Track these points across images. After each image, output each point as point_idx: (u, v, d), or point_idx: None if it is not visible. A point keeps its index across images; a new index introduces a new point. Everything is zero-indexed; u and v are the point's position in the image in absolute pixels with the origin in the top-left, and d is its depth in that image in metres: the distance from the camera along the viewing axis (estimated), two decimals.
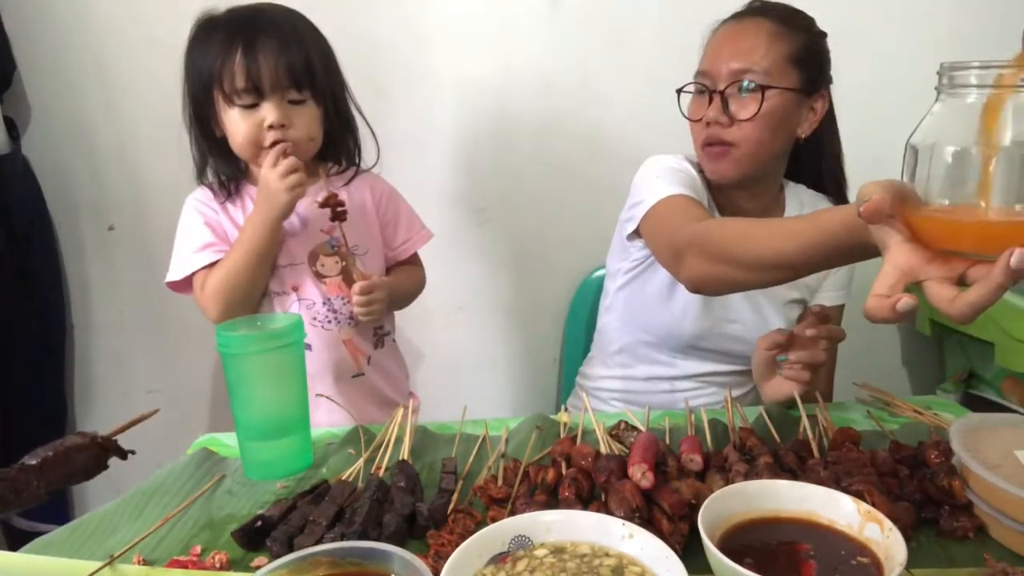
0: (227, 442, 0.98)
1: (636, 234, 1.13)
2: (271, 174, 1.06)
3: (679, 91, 1.13)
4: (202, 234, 1.14)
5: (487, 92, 1.60)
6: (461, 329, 1.75)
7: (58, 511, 1.66)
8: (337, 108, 1.16)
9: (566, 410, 1.03)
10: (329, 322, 1.18)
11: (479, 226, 1.68)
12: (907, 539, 0.59)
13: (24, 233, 1.52)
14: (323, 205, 1.09)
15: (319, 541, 0.69)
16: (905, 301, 0.58)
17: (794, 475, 0.75)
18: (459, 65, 1.58)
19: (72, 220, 1.61)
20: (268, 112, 1.06)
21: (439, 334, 1.75)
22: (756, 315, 1.19)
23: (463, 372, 1.79)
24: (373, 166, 1.26)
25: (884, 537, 0.60)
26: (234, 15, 1.09)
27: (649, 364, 1.26)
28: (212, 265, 1.12)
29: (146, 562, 0.70)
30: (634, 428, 0.93)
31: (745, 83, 1.05)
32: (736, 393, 1.16)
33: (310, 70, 1.09)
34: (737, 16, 1.12)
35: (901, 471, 0.78)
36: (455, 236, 1.66)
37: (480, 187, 1.66)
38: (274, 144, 1.07)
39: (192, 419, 1.71)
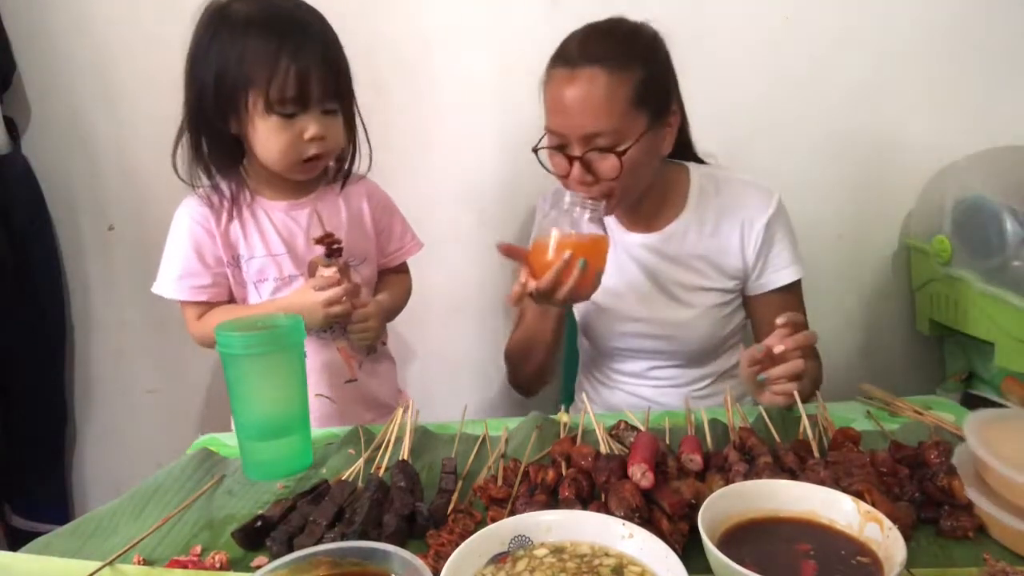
0: (227, 442, 0.98)
1: None
2: (317, 297, 1.07)
3: (535, 150, 1.10)
4: (186, 261, 1.12)
5: (487, 92, 1.60)
6: (461, 329, 1.75)
7: (58, 511, 1.66)
8: (350, 113, 1.15)
9: (566, 410, 1.03)
10: (323, 330, 1.18)
11: (479, 226, 1.68)
12: (907, 539, 0.59)
13: (24, 233, 1.52)
14: (319, 242, 1.09)
15: (319, 541, 0.69)
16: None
17: (794, 475, 0.75)
18: (459, 65, 1.58)
19: (72, 220, 1.61)
20: (311, 124, 1.04)
21: (439, 334, 1.74)
22: (685, 308, 1.20)
23: (463, 372, 1.78)
24: (368, 172, 1.25)
25: (884, 537, 0.60)
26: (268, 14, 1.03)
27: (625, 375, 1.28)
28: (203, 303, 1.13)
29: (146, 562, 0.70)
30: (634, 428, 0.93)
31: (601, 145, 1.02)
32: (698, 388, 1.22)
33: (341, 80, 1.08)
34: (569, 63, 1.04)
35: (901, 471, 0.78)
36: (455, 236, 1.66)
37: (480, 187, 1.66)
38: (312, 159, 1.07)
39: (192, 419, 1.71)
